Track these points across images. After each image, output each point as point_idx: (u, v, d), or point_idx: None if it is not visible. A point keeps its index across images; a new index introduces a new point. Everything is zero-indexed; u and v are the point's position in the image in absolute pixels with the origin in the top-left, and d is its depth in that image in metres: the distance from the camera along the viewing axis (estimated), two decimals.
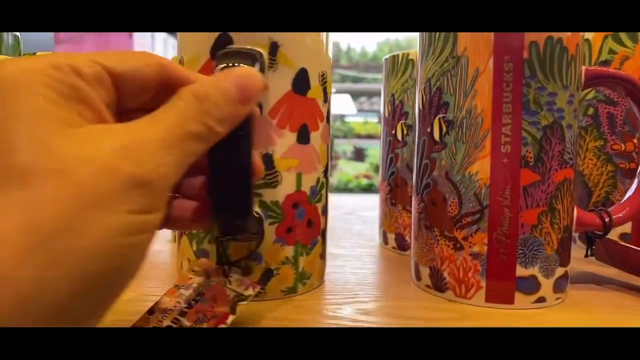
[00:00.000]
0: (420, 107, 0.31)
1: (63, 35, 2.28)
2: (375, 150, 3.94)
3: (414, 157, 0.32)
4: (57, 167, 0.14)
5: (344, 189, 3.47)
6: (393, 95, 0.40)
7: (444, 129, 0.29)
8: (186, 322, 0.22)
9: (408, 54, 0.39)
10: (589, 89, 0.40)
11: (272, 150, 0.27)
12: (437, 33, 0.29)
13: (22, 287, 0.13)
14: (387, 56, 0.41)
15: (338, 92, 3.63)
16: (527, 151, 0.27)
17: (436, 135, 0.29)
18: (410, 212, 0.39)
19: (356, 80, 3.90)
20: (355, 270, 0.35)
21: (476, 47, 0.27)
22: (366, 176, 3.56)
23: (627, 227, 0.38)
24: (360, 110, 3.92)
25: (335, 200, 0.70)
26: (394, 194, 0.40)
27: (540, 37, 0.26)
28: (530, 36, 0.26)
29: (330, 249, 0.35)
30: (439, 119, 0.29)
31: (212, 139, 0.19)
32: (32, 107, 0.14)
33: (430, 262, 0.30)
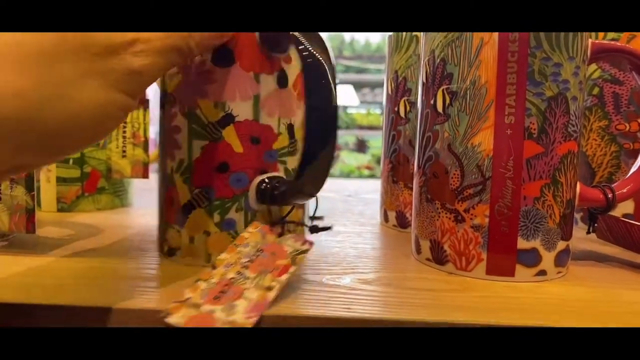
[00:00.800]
0: (424, 79, 0.30)
1: None
2: (377, 142, 3.93)
3: (416, 131, 0.31)
4: None
5: (346, 178, 3.47)
6: (396, 71, 0.39)
7: (448, 100, 0.28)
8: (250, 273, 0.24)
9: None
10: (595, 68, 0.39)
11: (293, 121, 0.29)
12: None
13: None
14: (390, 33, 0.41)
15: (341, 83, 3.62)
16: (531, 122, 0.27)
17: (439, 107, 0.29)
18: (412, 189, 0.39)
19: (359, 71, 3.88)
20: (355, 245, 0.35)
21: None
22: (368, 167, 3.55)
23: (629, 208, 0.38)
24: (363, 102, 3.90)
25: (336, 184, 0.70)
26: (396, 171, 0.40)
27: None
28: None
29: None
30: (443, 90, 0.29)
31: (189, 55, 0.24)
32: None
33: (431, 235, 0.30)
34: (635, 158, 0.32)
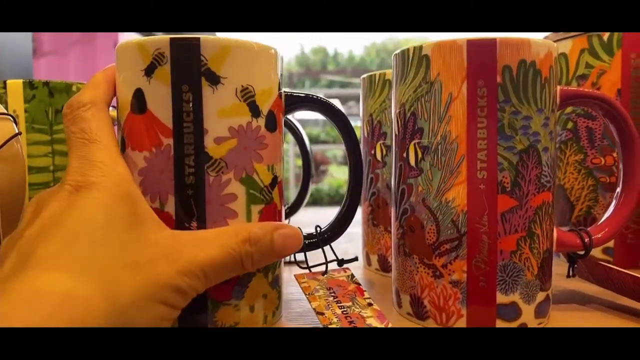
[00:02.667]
0: (396, 132, 0.30)
1: (45, 48, 2.25)
2: None
3: (391, 182, 0.31)
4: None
5: (335, 194, 3.47)
6: (371, 115, 0.39)
7: (420, 154, 0.28)
8: (346, 303, 0.29)
9: (385, 74, 0.38)
10: None
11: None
12: (411, 57, 0.28)
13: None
14: (364, 75, 0.41)
15: (327, 97, 3.63)
16: (503, 176, 0.27)
17: (412, 161, 0.29)
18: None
19: (344, 85, 3.91)
20: None
21: (449, 72, 0.27)
22: None
23: (610, 242, 0.38)
24: (349, 115, 3.91)
25: (323, 214, 0.70)
26: (376, 215, 0.40)
27: (513, 60, 0.26)
28: (503, 60, 0.26)
29: (313, 268, 0.35)
30: (415, 144, 0.28)
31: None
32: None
33: (411, 290, 0.29)
34: (612, 191, 0.32)
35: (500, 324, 0.27)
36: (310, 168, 0.44)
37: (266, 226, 0.25)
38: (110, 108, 0.45)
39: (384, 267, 0.40)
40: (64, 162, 0.43)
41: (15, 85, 0.42)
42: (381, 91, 0.38)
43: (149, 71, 0.25)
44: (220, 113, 0.26)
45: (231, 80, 0.26)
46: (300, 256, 0.31)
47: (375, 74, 0.39)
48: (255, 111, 0.27)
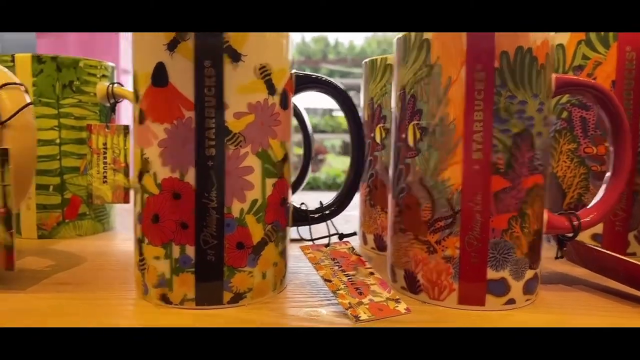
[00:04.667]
0: (397, 113, 0.31)
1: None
2: None
3: (390, 161, 0.32)
4: None
5: (332, 183, 3.48)
6: (372, 98, 0.40)
7: (418, 135, 0.29)
8: (350, 272, 0.30)
9: (386, 59, 0.39)
10: None
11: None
12: (412, 41, 0.29)
13: None
14: (366, 60, 0.42)
15: None
16: (497, 158, 0.28)
17: (410, 142, 0.30)
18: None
19: (343, 75, 3.90)
20: None
21: (449, 56, 0.28)
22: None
23: (598, 228, 0.40)
24: None
25: (318, 198, 0.71)
26: (373, 196, 0.41)
27: (510, 46, 0.27)
28: (501, 46, 0.27)
29: (295, 249, 0.36)
30: (413, 125, 0.30)
31: None
32: None
33: (405, 265, 0.30)
34: (602, 180, 0.33)
35: (489, 298, 0.28)
36: (311, 146, 0.45)
37: None
38: (116, 84, 0.46)
39: (380, 245, 0.41)
40: (70, 135, 0.44)
41: (23, 59, 0.43)
42: (382, 75, 0.39)
43: (172, 46, 0.26)
44: (240, 89, 0.27)
45: (251, 58, 0.27)
46: (302, 231, 0.33)
47: (377, 59, 0.40)
48: (271, 89, 0.28)
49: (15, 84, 0.30)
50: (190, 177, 0.27)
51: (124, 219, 0.51)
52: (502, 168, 0.28)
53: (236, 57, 0.27)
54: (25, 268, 0.35)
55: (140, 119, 0.28)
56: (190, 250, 0.27)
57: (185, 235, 0.27)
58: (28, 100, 0.30)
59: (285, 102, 0.29)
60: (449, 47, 0.28)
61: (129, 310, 0.28)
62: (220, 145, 0.27)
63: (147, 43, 0.27)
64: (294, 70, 0.31)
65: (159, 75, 0.27)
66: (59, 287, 0.31)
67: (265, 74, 0.28)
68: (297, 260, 0.37)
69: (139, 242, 0.29)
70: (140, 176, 0.28)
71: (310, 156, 0.45)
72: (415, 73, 0.29)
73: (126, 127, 0.45)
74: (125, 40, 2.26)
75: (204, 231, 0.27)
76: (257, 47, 0.27)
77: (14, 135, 0.29)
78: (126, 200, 0.45)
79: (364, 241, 0.43)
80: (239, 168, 0.28)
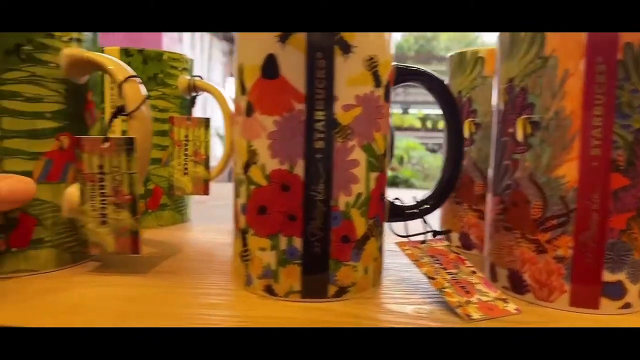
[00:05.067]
0: (501, 107, 0.30)
1: None
2: (400, 142, 3.90)
3: (491, 157, 0.32)
4: None
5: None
6: (460, 92, 0.39)
7: (529, 129, 0.28)
8: (452, 270, 0.30)
9: (477, 52, 0.38)
10: None
11: None
12: (522, 33, 0.28)
13: None
14: (451, 53, 0.41)
15: None
16: (617, 155, 0.26)
17: (519, 136, 0.29)
18: (477, 211, 0.39)
19: None
20: (413, 268, 0.34)
21: (566, 48, 0.27)
22: (391, 168, 3.55)
23: None
24: (396, 102, 3.89)
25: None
26: (459, 192, 0.40)
27: (635, 38, 0.26)
28: (624, 37, 0.26)
29: (386, 245, 0.35)
30: (523, 119, 0.29)
31: None
32: None
33: (510, 264, 0.30)
34: None
35: (604, 302, 0.27)
36: (393, 142, 0.44)
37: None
38: (197, 77, 0.46)
39: (466, 244, 0.40)
40: (154, 127, 0.45)
41: (112, 52, 0.44)
42: (472, 68, 0.38)
43: (284, 37, 0.26)
44: (349, 81, 0.27)
45: (360, 50, 0.27)
46: (396, 227, 0.32)
47: (466, 51, 0.39)
48: (377, 81, 0.28)
49: (135, 77, 0.31)
50: (299, 169, 0.27)
51: (197, 210, 0.52)
52: (622, 165, 0.26)
53: (347, 48, 0.27)
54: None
55: (248, 111, 0.28)
56: (298, 242, 0.27)
57: (293, 227, 0.27)
58: (145, 92, 0.31)
59: (388, 95, 0.29)
60: (565, 39, 0.27)
61: (231, 300, 0.28)
62: (329, 138, 0.27)
63: (257, 35, 0.27)
64: (395, 63, 0.30)
65: (270, 67, 0.27)
66: (164, 275, 0.32)
67: (373, 66, 0.27)
68: (387, 256, 0.36)
69: (243, 232, 0.29)
70: (246, 168, 0.28)
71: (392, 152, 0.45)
72: (526, 65, 0.28)
73: (207, 120, 0.45)
74: (169, 39, 2.30)
75: (310, 223, 0.27)
76: (366, 38, 0.27)
77: (137, 125, 0.30)
78: (206, 192, 0.45)
79: (447, 239, 0.42)
80: (346, 161, 0.27)
